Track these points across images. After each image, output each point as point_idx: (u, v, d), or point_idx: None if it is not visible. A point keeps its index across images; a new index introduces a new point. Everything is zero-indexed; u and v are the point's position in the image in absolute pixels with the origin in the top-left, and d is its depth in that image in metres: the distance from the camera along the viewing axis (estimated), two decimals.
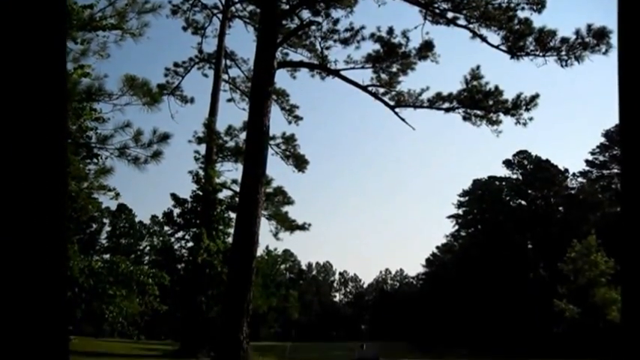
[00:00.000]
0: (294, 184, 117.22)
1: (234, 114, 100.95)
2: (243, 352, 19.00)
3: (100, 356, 22.04)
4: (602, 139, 76.49)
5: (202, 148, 32.63)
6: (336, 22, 23.81)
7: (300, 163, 29.41)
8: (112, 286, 14.26)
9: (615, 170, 74.72)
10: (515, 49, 20.83)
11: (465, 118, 22.78)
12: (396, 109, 23.66)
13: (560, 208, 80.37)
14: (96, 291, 13.85)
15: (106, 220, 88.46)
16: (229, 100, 36.11)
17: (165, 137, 12.75)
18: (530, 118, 21.79)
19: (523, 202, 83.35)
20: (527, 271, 65.03)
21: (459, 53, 49.78)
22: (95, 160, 12.10)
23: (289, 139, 29.30)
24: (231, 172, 34.70)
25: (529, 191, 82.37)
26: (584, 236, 27.33)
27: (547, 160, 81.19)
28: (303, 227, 32.49)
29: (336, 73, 23.77)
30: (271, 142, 26.75)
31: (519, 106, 21.67)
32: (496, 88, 22.01)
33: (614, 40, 19.07)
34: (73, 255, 14.06)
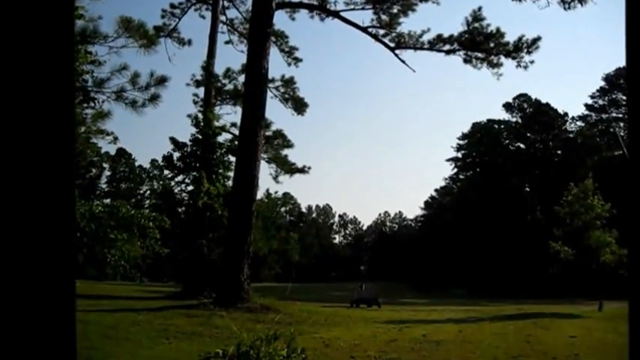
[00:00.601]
0: (293, 128, 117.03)
1: (232, 56, 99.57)
2: (245, 292, 19.33)
3: (104, 299, 22.39)
4: (603, 83, 75.81)
5: (201, 92, 32.28)
6: None
7: (299, 106, 29.13)
8: (114, 230, 14.35)
9: (614, 114, 74.39)
10: None
11: (465, 61, 22.45)
12: (396, 51, 23.29)
13: (559, 152, 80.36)
14: (97, 235, 13.93)
15: (105, 165, 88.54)
16: (227, 43, 35.34)
17: (162, 80, 12.57)
18: (532, 62, 21.50)
19: (522, 146, 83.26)
20: (524, 214, 65.56)
21: None
22: (92, 104, 11.95)
23: (288, 82, 28.92)
24: (230, 115, 34.43)
25: (528, 134, 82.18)
26: (581, 180, 27.27)
27: (547, 104, 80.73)
28: (302, 170, 32.58)
29: (336, 14, 23.26)
30: (270, 85, 26.43)
31: (521, 48, 21.33)
32: (497, 30, 21.62)
33: None
34: None
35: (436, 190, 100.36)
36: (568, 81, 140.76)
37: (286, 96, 28.99)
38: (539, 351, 10.50)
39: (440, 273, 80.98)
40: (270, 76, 24.83)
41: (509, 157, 79.98)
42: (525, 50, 21.25)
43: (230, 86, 31.50)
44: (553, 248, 26.35)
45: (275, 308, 18.77)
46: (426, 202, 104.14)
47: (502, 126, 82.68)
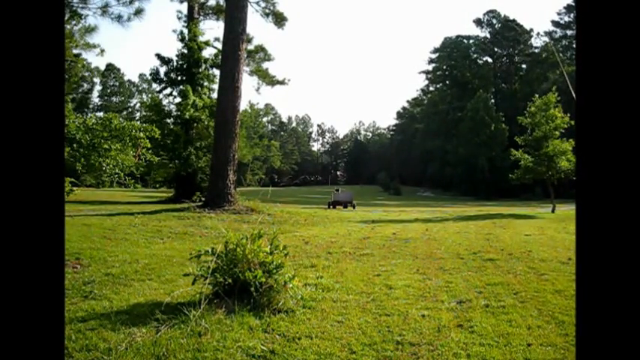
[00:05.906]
0: (274, 42, 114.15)
1: None
2: (231, 196, 19.55)
3: (103, 204, 22.51)
4: (570, 0, 74.28)
5: (184, 8, 31.29)
6: None
7: (279, 20, 28.24)
8: (107, 141, 14.20)
9: None
10: None
11: None
12: None
13: (523, 66, 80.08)
14: (92, 145, 13.78)
15: (96, 80, 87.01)
16: None
17: None
18: None
19: (489, 60, 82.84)
20: (490, 124, 66.03)
21: None
22: (78, 19, 11.47)
23: None
24: (213, 30, 33.48)
25: (495, 49, 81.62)
26: (543, 93, 27.27)
27: (514, 20, 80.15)
28: (282, 82, 32.18)
29: None
30: (251, 0, 25.50)
31: None
32: None
33: None
34: (68, 113, 13.83)
35: (408, 102, 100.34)
36: None
37: (267, 10, 28.04)
38: (497, 247, 10.88)
39: (409, 177, 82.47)
40: None
41: (476, 71, 79.73)
42: None
43: (212, 1, 30.46)
44: (513, 155, 26.71)
45: (259, 210, 19.07)
46: (398, 113, 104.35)
47: (471, 41, 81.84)
